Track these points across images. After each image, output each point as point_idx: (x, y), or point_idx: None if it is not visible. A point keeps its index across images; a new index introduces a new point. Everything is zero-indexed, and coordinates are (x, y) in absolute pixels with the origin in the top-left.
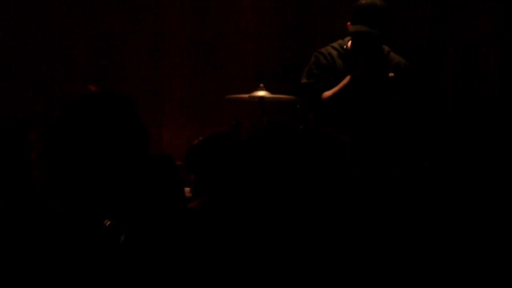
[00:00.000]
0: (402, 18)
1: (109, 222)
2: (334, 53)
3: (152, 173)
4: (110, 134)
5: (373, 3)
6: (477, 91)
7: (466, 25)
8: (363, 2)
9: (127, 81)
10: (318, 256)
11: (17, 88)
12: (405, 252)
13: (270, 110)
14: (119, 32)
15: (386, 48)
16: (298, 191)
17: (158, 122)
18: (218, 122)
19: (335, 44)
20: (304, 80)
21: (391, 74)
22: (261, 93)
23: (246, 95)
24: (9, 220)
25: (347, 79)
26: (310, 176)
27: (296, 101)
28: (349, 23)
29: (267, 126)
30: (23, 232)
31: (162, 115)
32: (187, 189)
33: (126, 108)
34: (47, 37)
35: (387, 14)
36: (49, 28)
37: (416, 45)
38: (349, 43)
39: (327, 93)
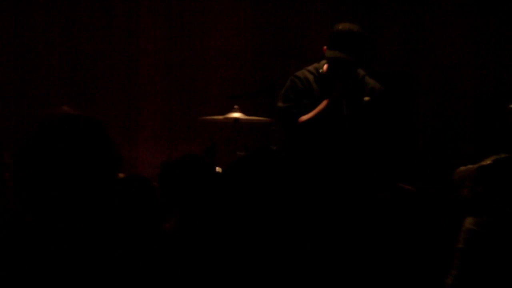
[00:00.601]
0: (375, 41)
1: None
2: (310, 77)
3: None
4: (79, 156)
5: (350, 30)
6: (452, 109)
7: (440, 45)
8: (340, 28)
9: (103, 102)
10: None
11: None
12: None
13: (245, 132)
14: (95, 53)
15: (361, 72)
16: (269, 216)
17: (134, 142)
18: (193, 142)
19: (310, 68)
20: (280, 104)
21: (366, 98)
22: (236, 114)
23: (221, 117)
24: None
25: (324, 103)
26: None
27: (270, 122)
28: (325, 47)
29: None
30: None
31: (137, 136)
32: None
33: (96, 129)
34: (23, 58)
35: (363, 40)
36: (25, 49)
37: (389, 67)
38: (325, 67)
39: (304, 117)
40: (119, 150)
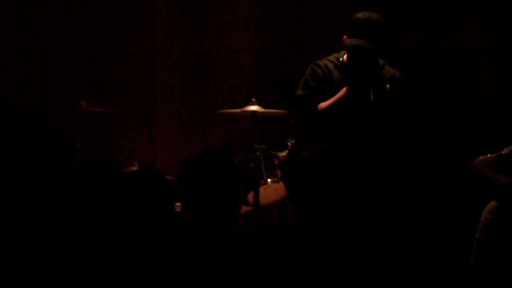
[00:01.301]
0: (394, 32)
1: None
2: (330, 65)
3: (138, 187)
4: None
5: (370, 18)
6: (469, 104)
7: (458, 38)
8: (360, 16)
9: (120, 97)
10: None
11: (7, 105)
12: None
13: (262, 124)
14: (112, 48)
15: (381, 61)
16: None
17: (151, 136)
18: (211, 136)
19: (331, 57)
20: (300, 92)
21: (387, 86)
22: (253, 107)
23: (238, 110)
24: None
25: (344, 90)
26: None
27: (288, 115)
28: (345, 37)
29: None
30: None
31: (155, 130)
32: (177, 204)
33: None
34: (40, 54)
35: (383, 28)
36: (43, 45)
37: (408, 58)
38: (345, 57)
39: (323, 104)
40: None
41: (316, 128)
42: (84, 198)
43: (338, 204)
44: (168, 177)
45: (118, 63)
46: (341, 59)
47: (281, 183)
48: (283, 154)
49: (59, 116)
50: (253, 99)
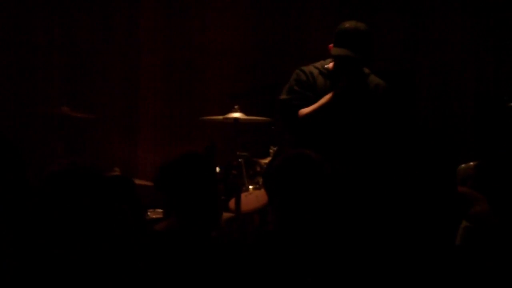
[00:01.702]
0: (376, 38)
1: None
2: (315, 71)
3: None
4: None
5: (357, 28)
6: (452, 106)
7: (439, 42)
8: (347, 25)
9: (102, 100)
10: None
11: None
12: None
13: (244, 131)
14: (94, 52)
15: (366, 70)
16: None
17: (133, 141)
18: (193, 142)
19: (317, 64)
20: (283, 96)
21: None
22: (236, 114)
23: (221, 117)
24: None
25: (326, 97)
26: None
27: (271, 122)
28: (331, 45)
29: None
30: None
31: (137, 135)
32: (159, 210)
33: None
34: (21, 56)
35: (369, 38)
36: (24, 47)
37: (389, 65)
38: (331, 64)
39: (305, 110)
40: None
41: (296, 134)
42: (59, 203)
43: (314, 209)
44: (149, 183)
45: (100, 68)
46: (326, 66)
47: (262, 190)
48: (265, 161)
49: (41, 121)
50: (236, 106)
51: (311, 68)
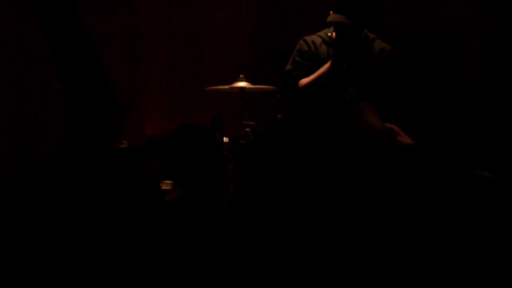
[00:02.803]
0: (382, 5)
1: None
2: (318, 40)
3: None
4: None
5: None
6: (457, 77)
7: (446, 10)
8: None
9: (108, 75)
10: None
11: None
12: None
13: (251, 101)
14: (97, 25)
15: (371, 35)
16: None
17: (140, 114)
18: (199, 113)
19: (321, 33)
20: (287, 67)
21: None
22: (242, 84)
23: (227, 86)
24: None
25: (325, 66)
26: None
27: (276, 91)
28: (331, 11)
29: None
30: None
31: (143, 107)
32: (168, 182)
33: None
34: (24, 29)
35: (367, 4)
36: (25, 20)
37: (393, 32)
38: (334, 33)
39: (305, 80)
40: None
41: (297, 104)
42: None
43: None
44: None
45: (103, 41)
46: (329, 34)
47: None
48: None
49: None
50: (241, 75)
51: (314, 37)
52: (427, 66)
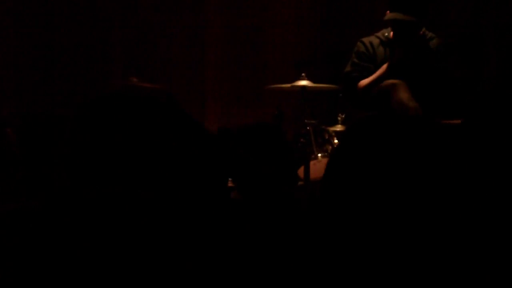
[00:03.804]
0: (443, 3)
1: None
2: (375, 41)
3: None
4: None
5: None
6: None
7: (506, 4)
8: None
9: (168, 73)
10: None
11: (55, 81)
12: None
13: (312, 99)
14: (159, 24)
15: (429, 34)
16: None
17: (201, 113)
18: (261, 111)
19: (378, 34)
20: (346, 69)
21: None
22: (303, 82)
23: (288, 85)
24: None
25: (384, 67)
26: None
27: (337, 90)
28: (388, 11)
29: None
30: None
31: (204, 105)
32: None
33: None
34: (86, 28)
35: (423, 0)
36: (87, 20)
37: (457, 30)
38: (392, 33)
39: (364, 82)
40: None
41: (357, 106)
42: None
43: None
44: None
45: (168, 39)
46: (386, 34)
47: None
48: (333, 128)
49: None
50: (302, 74)
51: (372, 39)
52: (488, 65)
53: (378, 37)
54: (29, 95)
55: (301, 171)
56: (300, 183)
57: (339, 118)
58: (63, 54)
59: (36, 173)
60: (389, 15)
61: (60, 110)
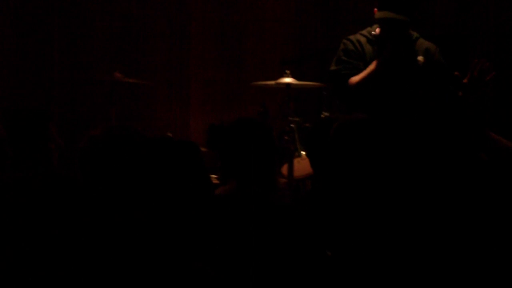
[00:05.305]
0: (428, 3)
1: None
2: (362, 39)
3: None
4: None
5: None
6: (506, 74)
7: (493, 7)
8: None
9: (153, 68)
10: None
11: (38, 77)
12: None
13: (296, 97)
14: (144, 17)
15: (415, 34)
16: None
17: (186, 109)
18: (245, 108)
19: (363, 32)
20: (332, 67)
21: (420, 58)
22: (288, 79)
23: (273, 82)
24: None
25: (374, 63)
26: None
27: (322, 87)
28: (375, 9)
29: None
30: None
31: (189, 101)
32: (213, 176)
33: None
34: (67, 22)
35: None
36: (70, 13)
37: (442, 30)
38: (377, 30)
39: (355, 78)
40: None
41: (348, 103)
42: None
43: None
44: (202, 149)
45: (152, 34)
46: (373, 32)
47: None
48: None
49: (94, 87)
50: (287, 71)
51: (358, 37)
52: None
53: (364, 35)
54: (10, 90)
55: (285, 169)
56: (283, 180)
57: (323, 116)
58: (46, 48)
59: (25, 169)
60: (380, 13)
61: (43, 105)
